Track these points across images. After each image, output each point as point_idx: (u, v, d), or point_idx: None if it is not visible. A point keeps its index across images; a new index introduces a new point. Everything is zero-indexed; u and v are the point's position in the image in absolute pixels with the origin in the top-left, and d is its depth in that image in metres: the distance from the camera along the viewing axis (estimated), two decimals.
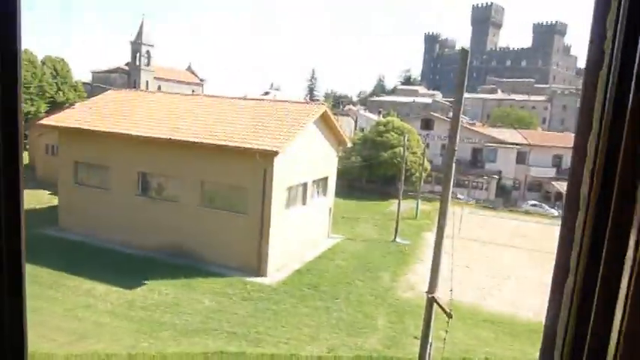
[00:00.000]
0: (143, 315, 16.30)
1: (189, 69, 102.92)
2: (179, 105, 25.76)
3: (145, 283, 18.76)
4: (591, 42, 0.92)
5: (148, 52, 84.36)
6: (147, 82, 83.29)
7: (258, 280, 20.12)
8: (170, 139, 21.48)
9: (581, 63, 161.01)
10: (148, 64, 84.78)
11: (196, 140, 21.08)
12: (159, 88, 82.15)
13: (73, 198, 24.29)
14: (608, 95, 0.79)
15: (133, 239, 22.25)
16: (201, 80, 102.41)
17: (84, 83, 71.01)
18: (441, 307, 7.51)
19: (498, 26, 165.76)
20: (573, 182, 0.94)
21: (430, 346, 7.97)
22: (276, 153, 19.69)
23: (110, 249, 22.10)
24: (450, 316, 7.14)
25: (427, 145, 46.08)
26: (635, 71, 0.73)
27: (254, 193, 20.45)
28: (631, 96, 0.72)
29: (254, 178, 20.27)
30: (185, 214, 21.80)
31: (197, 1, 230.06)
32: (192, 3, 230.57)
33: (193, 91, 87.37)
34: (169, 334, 15.17)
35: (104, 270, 19.47)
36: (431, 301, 7.77)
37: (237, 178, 20.86)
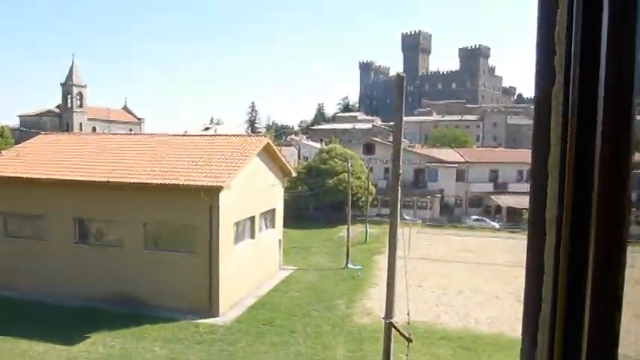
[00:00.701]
0: None
1: (125, 108, 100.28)
2: (116, 145, 24.86)
3: (88, 337, 17.53)
4: (539, 59, 0.89)
5: (80, 93, 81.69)
6: (80, 123, 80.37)
7: (211, 320, 19.35)
8: (108, 181, 20.59)
9: (507, 82, 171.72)
10: (81, 105, 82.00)
11: (136, 181, 20.32)
12: (94, 129, 79.48)
13: (3, 252, 22.56)
14: (570, 113, 0.75)
15: (74, 291, 20.84)
16: (139, 119, 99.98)
17: (11, 129, 67.38)
18: (399, 332, 7.44)
19: (427, 52, 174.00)
20: (536, 206, 0.89)
21: None
22: (220, 188, 19.30)
23: (48, 304, 20.55)
24: (409, 340, 7.08)
25: (371, 170, 46.93)
26: (601, 89, 0.69)
27: (200, 231, 19.85)
28: (601, 110, 0.67)
29: (199, 215, 19.71)
30: (129, 259, 20.76)
31: (129, 37, 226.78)
32: (125, 40, 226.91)
33: (131, 130, 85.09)
34: None
35: (42, 327, 18.03)
36: (389, 326, 7.71)
37: (182, 217, 20.21)
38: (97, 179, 20.82)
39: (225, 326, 19.02)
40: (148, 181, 20.16)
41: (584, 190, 0.72)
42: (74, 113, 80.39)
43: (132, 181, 20.37)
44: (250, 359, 16.27)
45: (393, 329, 7.73)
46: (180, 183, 19.77)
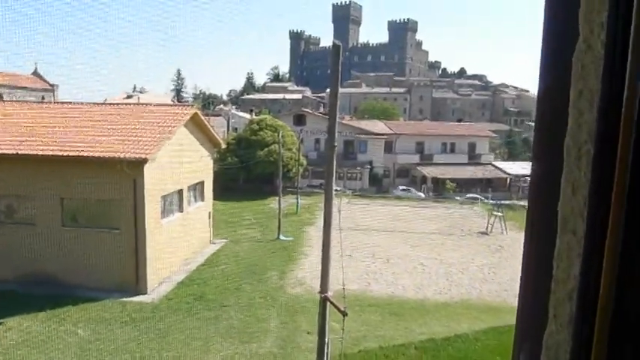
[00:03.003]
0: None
1: (35, 73, 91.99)
2: (25, 114, 22.78)
3: (0, 323, 16.27)
4: (551, 15, 0.72)
5: None
6: None
7: (139, 298, 18.62)
8: (16, 153, 18.87)
9: (433, 57, 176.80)
10: None
11: (50, 153, 18.78)
12: None
13: None
14: (608, 84, 0.58)
15: None
16: (52, 86, 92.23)
17: None
18: (335, 306, 7.47)
19: (358, 23, 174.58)
20: (542, 198, 0.74)
21: (327, 346, 7.92)
22: (145, 161, 18.32)
23: None
24: (344, 314, 7.12)
25: (301, 141, 46.73)
26: None
27: (124, 206, 18.83)
28: None
29: (123, 189, 18.65)
30: (45, 238, 19.30)
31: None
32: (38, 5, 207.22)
33: (43, 97, 78.55)
34: None
35: None
36: (324, 300, 7.71)
37: (104, 192, 19.01)
38: (5, 151, 19.02)
39: (154, 304, 18.40)
40: (64, 153, 18.70)
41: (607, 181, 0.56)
42: None
43: (46, 153, 18.80)
44: (181, 336, 15.88)
45: (328, 303, 7.77)
46: (101, 155, 18.54)
